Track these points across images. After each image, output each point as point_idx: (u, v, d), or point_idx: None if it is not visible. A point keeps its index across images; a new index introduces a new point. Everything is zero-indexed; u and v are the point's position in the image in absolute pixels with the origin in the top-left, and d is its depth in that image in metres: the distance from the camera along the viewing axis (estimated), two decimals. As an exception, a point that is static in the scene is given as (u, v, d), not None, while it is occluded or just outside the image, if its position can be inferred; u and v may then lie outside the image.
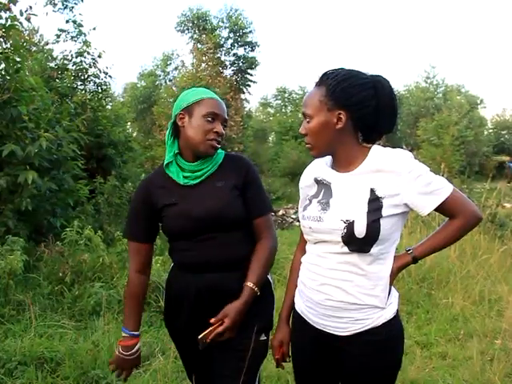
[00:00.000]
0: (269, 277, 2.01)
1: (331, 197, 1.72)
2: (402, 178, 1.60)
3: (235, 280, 1.87)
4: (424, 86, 33.05)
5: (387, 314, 1.68)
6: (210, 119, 1.86)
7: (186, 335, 1.97)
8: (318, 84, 1.71)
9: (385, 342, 1.68)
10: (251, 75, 21.30)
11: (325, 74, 1.71)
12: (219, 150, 1.97)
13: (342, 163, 1.73)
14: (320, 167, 1.84)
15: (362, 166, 1.68)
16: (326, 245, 1.71)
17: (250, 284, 1.83)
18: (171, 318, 2.04)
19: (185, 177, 1.90)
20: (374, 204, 1.61)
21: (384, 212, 1.61)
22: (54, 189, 5.72)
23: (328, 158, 1.81)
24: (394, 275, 1.70)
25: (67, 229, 5.35)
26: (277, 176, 23.36)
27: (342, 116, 1.65)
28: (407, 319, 4.48)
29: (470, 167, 21.86)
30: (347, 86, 1.65)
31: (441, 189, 1.64)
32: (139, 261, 1.99)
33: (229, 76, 20.21)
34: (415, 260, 1.72)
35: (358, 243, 1.63)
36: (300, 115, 31.80)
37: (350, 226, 1.62)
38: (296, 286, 1.90)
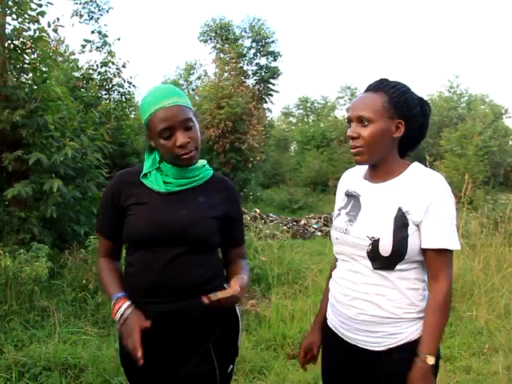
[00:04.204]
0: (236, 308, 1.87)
1: (360, 210, 1.71)
2: (429, 200, 1.58)
3: (199, 307, 1.65)
4: (447, 96, 32.75)
5: (422, 329, 1.64)
6: (166, 135, 1.65)
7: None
8: (375, 90, 1.68)
9: None
10: (273, 85, 21.30)
11: (382, 82, 1.69)
12: (207, 167, 1.82)
13: (380, 174, 1.72)
14: (353, 178, 1.83)
15: (397, 179, 1.67)
16: (352, 260, 1.70)
17: (242, 277, 1.69)
18: (128, 360, 1.74)
19: (166, 182, 1.73)
20: (401, 220, 1.60)
21: (410, 230, 1.60)
22: (78, 197, 5.79)
23: (363, 168, 1.80)
24: None
25: (91, 236, 5.40)
26: (298, 185, 23.30)
27: (400, 126, 1.65)
28: (430, 332, 4.42)
29: (495, 178, 21.60)
30: (409, 98, 1.66)
31: (452, 237, 1.60)
32: (107, 252, 1.86)
33: (251, 85, 20.24)
34: (428, 360, 1.58)
35: (383, 261, 1.61)
36: (322, 125, 31.84)
37: (374, 243, 1.61)
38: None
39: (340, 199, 1.87)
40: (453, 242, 1.60)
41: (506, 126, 32.83)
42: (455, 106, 31.58)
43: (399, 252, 1.59)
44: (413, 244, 1.60)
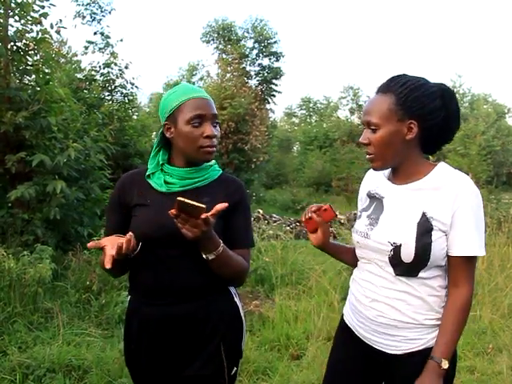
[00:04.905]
0: (239, 305, 1.85)
1: (381, 213, 1.67)
2: (457, 205, 1.53)
3: (202, 310, 1.72)
4: (450, 96, 32.68)
5: None
6: (196, 124, 1.66)
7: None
8: (384, 91, 1.61)
9: None
10: (276, 85, 21.24)
11: (392, 81, 1.62)
12: (216, 167, 1.82)
13: (402, 175, 1.66)
14: (376, 178, 1.78)
15: (422, 181, 1.61)
16: (374, 264, 1.68)
17: (222, 245, 1.62)
18: (132, 360, 1.84)
19: (167, 182, 1.72)
20: (424, 226, 1.55)
21: (434, 235, 1.55)
22: (81, 198, 5.80)
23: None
24: None
25: (94, 238, 5.39)
26: (301, 186, 23.31)
27: (413, 126, 1.57)
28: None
29: (498, 177, 21.53)
30: (420, 95, 1.56)
31: (480, 243, 1.56)
32: None
33: (254, 86, 20.18)
34: (442, 364, 1.55)
35: (405, 268, 1.58)
36: (325, 125, 31.82)
37: (396, 249, 1.57)
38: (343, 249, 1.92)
39: (362, 200, 1.84)
40: (481, 249, 1.56)
41: (508, 125, 32.79)
42: (458, 106, 31.50)
43: (422, 258, 1.55)
44: (436, 250, 1.55)
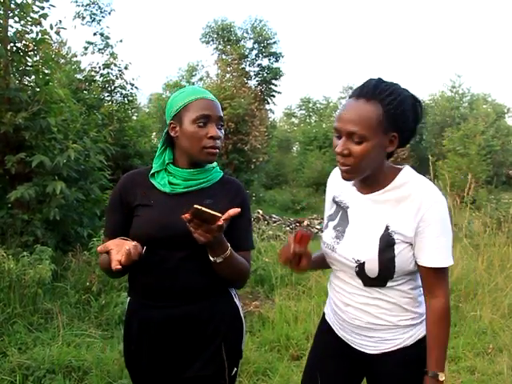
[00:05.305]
0: (239, 306, 1.85)
1: (347, 225, 1.64)
2: (420, 215, 1.50)
3: (202, 312, 1.72)
4: (449, 95, 32.60)
5: (418, 334, 1.63)
6: (201, 124, 1.66)
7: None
8: (369, 98, 1.46)
9: (416, 362, 1.59)
10: (275, 86, 21.26)
11: (377, 87, 1.48)
12: (217, 169, 1.82)
13: (369, 184, 1.61)
14: (340, 182, 1.70)
15: (386, 190, 1.57)
16: (343, 273, 1.68)
17: (230, 249, 1.62)
18: (132, 362, 1.83)
19: (171, 183, 1.71)
20: (387, 239, 1.53)
21: (397, 248, 1.53)
22: (81, 199, 5.79)
23: None
24: None
25: (94, 238, 5.39)
26: (301, 186, 23.29)
27: (394, 139, 1.50)
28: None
29: (497, 177, 21.50)
30: (406, 109, 1.48)
31: (446, 254, 1.53)
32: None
33: (253, 86, 20.17)
34: (439, 377, 1.54)
35: (372, 280, 1.58)
36: (324, 125, 31.77)
37: (360, 266, 1.56)
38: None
39: (328, 204, 1.82)
40: (447, 260, 1.52)
41: (508, 125, 32.70)
42: (457, 106, 31.44)
43: (387, 272, 1.55)
44: (401, 262, 1.54)
